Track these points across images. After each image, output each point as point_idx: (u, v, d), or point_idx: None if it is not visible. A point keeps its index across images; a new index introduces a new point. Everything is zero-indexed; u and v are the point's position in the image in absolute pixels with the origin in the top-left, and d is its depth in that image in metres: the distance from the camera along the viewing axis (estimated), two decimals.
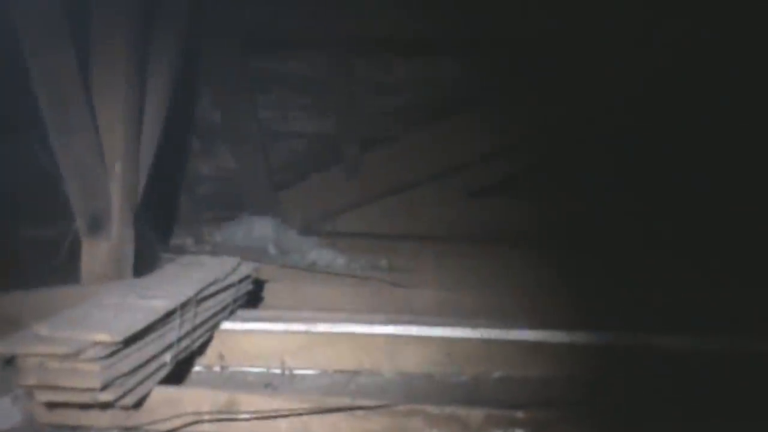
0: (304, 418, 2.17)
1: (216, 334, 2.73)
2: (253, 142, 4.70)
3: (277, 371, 2.74)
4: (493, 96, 4.67)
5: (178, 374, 2.48)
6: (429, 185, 4.87)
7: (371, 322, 2.84)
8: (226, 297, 2.78)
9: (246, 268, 3.00)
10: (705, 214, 4.47)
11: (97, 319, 2.09)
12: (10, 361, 2.03)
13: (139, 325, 2.08)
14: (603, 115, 4.60)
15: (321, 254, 4.24)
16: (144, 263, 3.31)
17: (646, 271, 3.84)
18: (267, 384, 2.65)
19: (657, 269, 3.89)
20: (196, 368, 2.73)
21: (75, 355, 1.92)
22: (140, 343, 2.10)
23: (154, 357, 2.18)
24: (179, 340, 2.33)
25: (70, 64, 2.93)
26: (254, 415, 2.17)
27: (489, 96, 4.68)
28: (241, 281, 2.92)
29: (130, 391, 2.06)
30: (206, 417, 2.17)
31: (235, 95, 4.58)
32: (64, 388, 1.96)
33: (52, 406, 2.07)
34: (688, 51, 4.27)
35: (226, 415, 2.17)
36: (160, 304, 2.28)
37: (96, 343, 1.95)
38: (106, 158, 3.07)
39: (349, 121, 4.68)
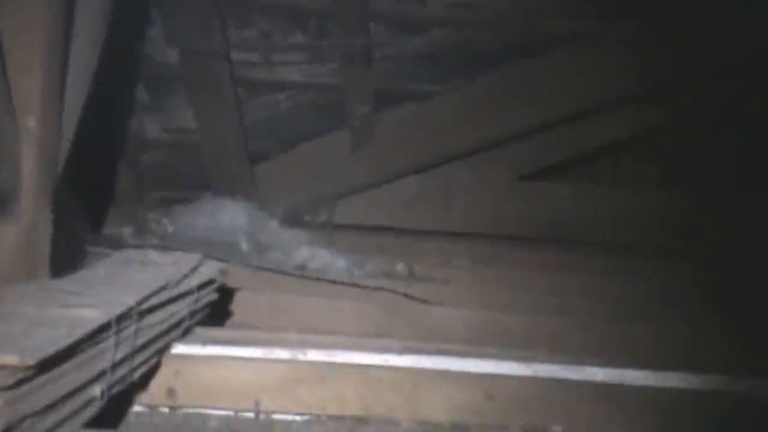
0: None
1: (165, 361, 2.73)
2: (223, 95, 4.70)
3: (250, 415, 2.74)
4: (563, 43, 4.65)
5: (111, 415, 2.48)
6: (467, 162, 4.87)
7: (382, 350, 2.83)
8: (181, 309, 2.77)
9: (209, 270, 3.00)
10: None
11: (1, 335, 2.09)
12: None
13: (60, 344, 2.07)
14: (723, 79, 4.58)
15: (313, 254, 4.24)
16: (66, 259, 3.32)
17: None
18: None
19: None
20: (137, 408, 2.72)
21: None
22: (60, 369, 2.09)
23: (79, 389, 2.17)
24: (114, 366, 2.33)
25: None
26: None
27: (558, 42, 4.66)
28: (201, 287, 2.91)
29: None
30: None
31: (200, 28, 4.58)
32: None
33: None
34: None
35: None
36: (89, 316, 2.27)
37: None
38: (17, 112, 3.07)
39: (358, 69, 4.67)
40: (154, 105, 4.95)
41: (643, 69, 4.55)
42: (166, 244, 4.19)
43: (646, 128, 4.80)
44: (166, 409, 2.75)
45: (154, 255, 3.06)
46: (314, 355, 2.79)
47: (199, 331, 2.93)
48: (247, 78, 4.82)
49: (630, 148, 4.91)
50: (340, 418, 2.75)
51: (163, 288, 2.66)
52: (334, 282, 3.90)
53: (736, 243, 4.55)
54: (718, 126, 4.76)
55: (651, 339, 3.24)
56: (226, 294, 3.28)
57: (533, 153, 4.87)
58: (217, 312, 3.17)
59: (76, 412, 2.16)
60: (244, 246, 4.34)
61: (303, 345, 2.84)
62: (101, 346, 2.28)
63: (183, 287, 2.78)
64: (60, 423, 2.10)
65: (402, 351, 2.84)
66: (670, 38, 4.47)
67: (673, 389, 2.72)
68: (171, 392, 2.74)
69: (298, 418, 2.75)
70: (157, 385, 2.74)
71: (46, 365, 2.01)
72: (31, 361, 1.96)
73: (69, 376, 2.13)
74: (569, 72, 4.66)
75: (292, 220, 4.69)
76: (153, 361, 2.65)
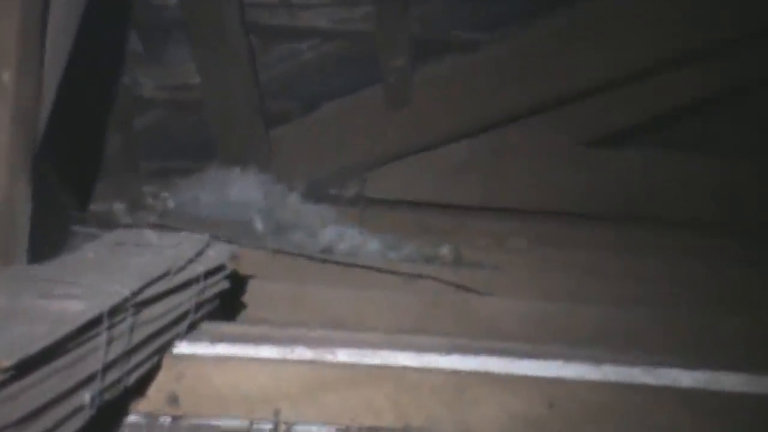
0: None
1: (166, 362, 2.74)
2: (232, 44, 4.69)
3: (267, 426, 2.74)
4: None
5: (103, 426, 2.48)
6: (522, 125, 4.85)
7: (424, 350, 2.83)
8: (184, 300, 2.78)
9: (217, 254, 3.01)
10: None
11: None
12: None
13: (41, 343, 2.07)
14: None
15: (341, 235, 4.25)
16: (47, 240, 3.32)
17: None
18: None
19: None
20: (133, 417, 2.73)
21: None
22: (42, 373, 2.10)
23: (64, 396, 2.18)
24: (105, 369, 2.33)
25: None
26: None
27: None
28: (208, 275, 2.92)
29: None
30: None
31: None
32: None
33: None
34: None
35: None
36: (75, 309, 2.28)
37: None
38: None
39: (393, 14, 4.65)
40: (150, 57, 4.96)
41: (738, 9, 4.50)
42: (165, 223, 4.20)
43: (740, 84, 4.75)
44: (167, 419, 2.75)
45: (151, 236, 3.06)
46: (343, 356, 2.79)
47: (207, 326, 2.94)
48: (262, 24, 4.81)
49: (720, 108, 4.86)
50: (373, 430, 2.75)
51: (163, 275, 2.66)
52: (366, 268, 3.90)
53: None
54: None
55: (749, 335, 3.21)
56: (238, 282, 3.29)
57: (602, 114, 4.84)
58: (227, 304, 3.17)
59: (60, 423, 2.17)
60: (259, 225, 4.34)
61: (329, 343, 2.84)
62: (90, 344, 2.28)
63: (187, 274, 2.79)
64: None
65: (447, 350, 2.83)
66: None
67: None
68: (173, 399, 2.75)
69: (323, 429, 2.75)
70: (156, 391, 2.74)
71: (24, 368, 2.01)
72: (7, 363, 1.95)
73: (52, 380, 2.13)
74: (646, 15, 4.62)
75: (316, 194, 4.69)
76: (152, 363, 2.65)
